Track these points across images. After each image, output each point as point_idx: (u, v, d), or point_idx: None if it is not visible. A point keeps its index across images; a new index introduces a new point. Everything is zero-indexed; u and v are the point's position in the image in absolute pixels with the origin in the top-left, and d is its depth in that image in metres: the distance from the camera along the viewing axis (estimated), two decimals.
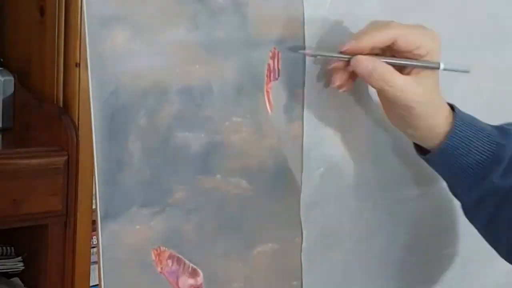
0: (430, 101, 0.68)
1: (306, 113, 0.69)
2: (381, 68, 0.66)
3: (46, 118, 1.36)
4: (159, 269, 0.62)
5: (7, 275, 1.42)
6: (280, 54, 0.67)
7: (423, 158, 0.72)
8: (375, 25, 0.67)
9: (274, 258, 0.69)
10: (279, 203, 0.69)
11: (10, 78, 1.43)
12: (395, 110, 0.68)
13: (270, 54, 0.66)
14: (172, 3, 0.61)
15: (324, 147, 0.71)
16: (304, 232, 0.71)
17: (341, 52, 0.66)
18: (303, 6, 0.68)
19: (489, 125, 0.71)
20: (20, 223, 1.32)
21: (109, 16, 0.58)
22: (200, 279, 0.65)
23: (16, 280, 1.42)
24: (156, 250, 0.62)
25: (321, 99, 0.70)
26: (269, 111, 0.67)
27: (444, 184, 0.75)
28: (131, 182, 0.60)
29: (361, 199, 0.74)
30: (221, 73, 0.64)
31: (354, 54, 0.66)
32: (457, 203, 0.84)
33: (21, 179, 1.28)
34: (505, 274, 0.90)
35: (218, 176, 0.65)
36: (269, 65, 0.66)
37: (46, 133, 1.36)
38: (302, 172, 0.70)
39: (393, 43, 0.66)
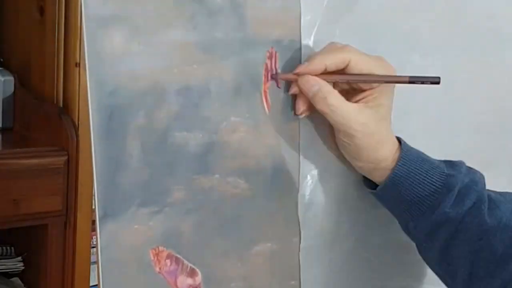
0: (374, 132, 0.67)
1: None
2: (326, 91, 0.65)
3: (46, 118, 1.36)
4: (157, 269, 0.62)
5: (7, 275, 1.43)
6: (277, 54, 0.67)
7: (372, 193, 0.71)
8: (330, 47, 0.66)
9: (272, 258, 0.69)
10: (277, 203, 0.69)
11: (10, 78, 1.43)
12: (339, 137, 0.68)
13: (268, 54, 0.66)
14: (170, 4, 0.61)
15: (321, 146, 0.71)
16: (302, 232, 0.71)
17: (294, 74, 0.66)
18: (300, 6, 0.68)
19: (436, 159, 0.70)
20: (20, 223, 1.32)
21: (107, 17, 0.58)
22: (198, 279, 0.65)
23: (16, 280, 1.43)
24: (155, 250, 0.62)
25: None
26: (267, 111, 0.67)
27: None
28: (130, 182, 0.61)
29: (359, 199, 0.74)
30: (219, 73, 0.64)
31: (306, 72, 0.65)
32: None
33: (21, 179, 1.28)
34: None
35: (217, 176, 0.65)
36: (266, 65, 0.67)
37: (46, 133, 1.36)
38: (299, 171, 0.70)
39: (346, 67, 0.65)
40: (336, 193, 0.73)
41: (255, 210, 0.68)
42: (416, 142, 0.76)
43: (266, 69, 0.67)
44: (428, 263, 0.74)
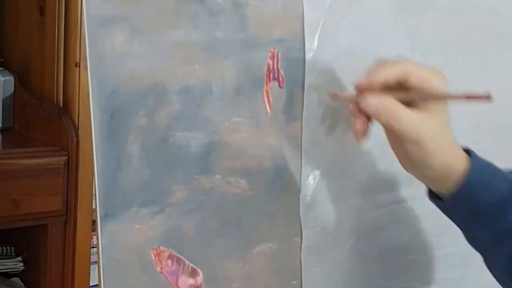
0: (441, 136, 0.65)
1: (305, 113, 0.69)
2: (388, 103, 0.63)
3: (46, 118, 1.36)
4: (158, 269, 0.62)
5: (7, 275, 1.43)
6: (279, 54, 0.67)
7: (438, 204, 0.70)
8: (387, 61, 0.65)
9: (274, 258, 0.69)
10: (279, 203, 0.69)
11: (10, 78, 1.43)
12: (407, 148, 0.65)
13: (270, 54, 0.66)
14: (172, 4, 0.61)
15: (323, 146, 0.71)
16: (304, 232, 0.71)
17: (356, 88, 0.64)
18: (303, 6, 0.68)
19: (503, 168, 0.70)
20: (20, 223, 1.32)
21: (108, 17, 0.58)
22: (200, 279, 0.65)
23: (16, 280, 1.43)
24: (156, 250, 0.62)
25: (320, 99, 0.70)
26: (269, 111, 0.67)
27: None
28: (131, 182, 0.61)
29: (361, 199, 0.74)
30: (220, 73, 0.64)
31: (366, 90, 0.64)
32: None
33: (21, 179, 1.28)
34: None
35: (218, 176, 0.65)
36: (268, 65, 0.67)
37: (46, 133, 1.36)
38: (301, 171, 0.70)
39: (405, 80, 0.64)
40: (337, 193, 0.73)
41: (257, 210, 0.68)
42: None
43: (268, 69, 0.67)
44: (493, 272, 0.72)
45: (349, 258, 0.75)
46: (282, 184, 0.69)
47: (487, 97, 0.66)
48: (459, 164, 0.67)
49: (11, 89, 1.43)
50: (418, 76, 0.64)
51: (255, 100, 0.66)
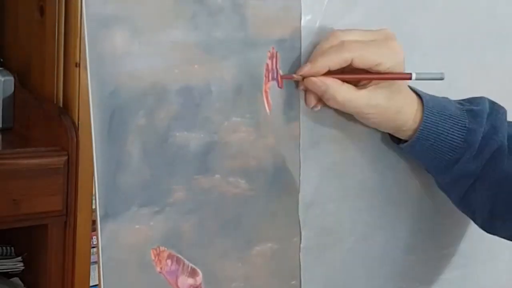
0: (389, 107, 0.69)
1: (303, 113, 0.69)
2: (333, 90, 0.67)
3: (46, 118, 1.36)
4: (158, 269, 0.62)
5: (7, 275, 1.42)
6: (278, 54, 0.67)
7: (398, 148, 0.75)
8: (330, 45, 0.67)
9: (273, 258, 0.69)
10: (278, 203, 0.69)
11: (10, 78, 1.43)
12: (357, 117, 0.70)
13: (269, 54, 0.66)
14: (171, 4, 0.61)
15: (322, 146, 0.71)
16: (303, 232, 0.71)
17: (300, 75, 0.67)
18: (300, 6, 0.68)
19: (459, 108, 0.73)
20: (20, 223, 1.32)
21: (108, 17, 0.58)
22: (199, 279, 0.65)
23: (16, 280, 1.42)
24: (156, 250, 0.62)
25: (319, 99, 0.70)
26: (268, 111, 0.67)
27: None
28: (131, 182, 0.61)
29: (360, 199, 0.74)
30: (220, 73, 0.64)
31: (310, 76, 0.66)
32: None
33: (21, 179, 1.28)
34: (505, 274, 0.90)
35: (217, 176, 0.65)
36: (267, 65, 0.67)
37: (46, 133, 1.36)
38: (300, 171, 0.70)
39: (349, 65, 0.66)
40: (336, 193, 0.73)
41: (256, 210, 0.68)
42: None
43: (267, 69, 0.67)
44: (449, 198, 0.77)
45: (348, 258, 0.75)
46: (281, 184, 0.69)
47: (441, 78, 0.70)
48: (412, 121, 0.71)
49: (11, 89, 1.43)
50: (362, 60, 0.66)
51: (254, 100, 0.66)
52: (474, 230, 0.83)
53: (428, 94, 0.73)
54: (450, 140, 0.71)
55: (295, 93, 0.69)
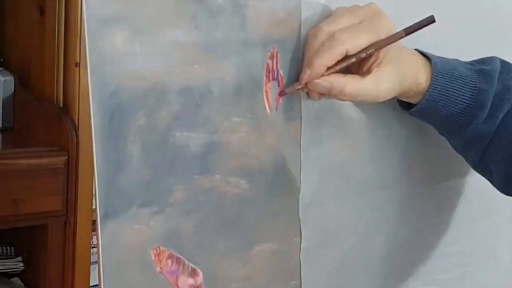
0: (399, 82, 0.68)
1: (304, 112, 0.69)
2: (339, 85, 0.66)
3: (46, 118, 1.37)
4: (158, 269, 0.62)
5: (7, 275, 1.43)
6: (278, 54, 0.67)
7: (408, 112, 0.73)
8: (321, 42, 0.65)
9: (273, 258, 0.69)
10: (278, 203, 0.69)
11: (10, 78, 1.43)
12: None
13: (269, 54, 0.66)
14: (172, 4, 0.61)
15: (322, 146, 0.71)
16: (303, 232, 0.71)
17: (302, 82, 0.66)
18: (300, 6, 0.68)
19: (469, 68, 0.72)
20: (20, 223, 1.32)
21: (108, 17, 0.58)
22: (199, 279, 0.65)
23: (16, 280, 1.43)
24: (156, 250, 0.62)
25: (319, 99, 0.70)
26: (268, 111, 0.67)
27: (444, 183, 0.75)
28: (131, 182, 0.60)
29: (360, 198, 0.74)
30: (220, 73, 0.64)
31: (312, 80, 0.66)
32: (457, 202, 0.84)
33: (21, 179, 1.28)
34: (505, 274, 0.90)
35: (217, 176, 0.65)
36: (268, 65, 0.67)
37: (46, 133, 1.36)
38: (300, 171, 0.70)
39: (346, 54, 0.66)
40: (337, 193, 0.73)
41: (256, 210, 0.68)
42: None
43: (268, 69, 0.67)
44: (466, 160, 0.76)
45: (348, 258, 0.75)
46: (281, 184, 0.69)
47: (429, 23, 0.68)
48: (422, 83, 0.70)
49: (11, 89, 1.43)
50: (356, 48, 0.65)
51: (255, 100, 0.66)
52: (474, 230, 0.83)
53: (437, 56, 0.72)
54: (461, 101, 0.70)
55: (295, 93, 0.69)
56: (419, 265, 0.78)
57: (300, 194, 0.70)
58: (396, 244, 0.77)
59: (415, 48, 0.73)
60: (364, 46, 0.65)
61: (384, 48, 0.67)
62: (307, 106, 0.69)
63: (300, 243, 0.71)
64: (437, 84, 0.70)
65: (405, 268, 0.80)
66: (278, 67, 0.67)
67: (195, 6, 0.62)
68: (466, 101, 0.70)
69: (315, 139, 0.70)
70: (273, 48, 0.67)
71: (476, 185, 0.82)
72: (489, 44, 0.85)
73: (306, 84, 0.66)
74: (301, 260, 0.71)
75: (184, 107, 0.62)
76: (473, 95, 0.70)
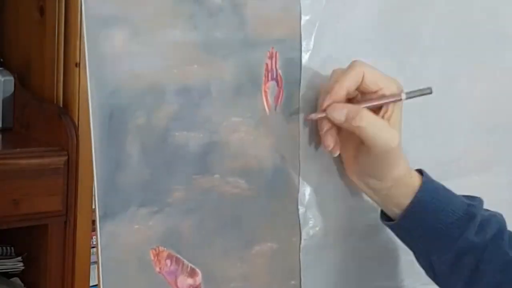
0: (395, 148, 0.66)
1: (303, 112, 0.69)
2: (355, 109, 0.65)
3: (46, 118, 1.37)
4: (157, 269, 0.62)
5: (7, 275, 1.43)
6: (277, 54, 0.67)
7: (390, 225, 0.71)
8: (339, 71, 0.66)
9: (273, 258, 0.69)
10: (277, 203, 0.69)
11: (10, 78, 1.43)
12: (370, 156, 0.66)
13: (268, 54, 0.67)
14: (170, 4, 0.61)
15: (321, 146, 0.71)
16: (302, 232, 0.71)
17: (322, 107, 0.66)
18: (300, 6, 0.68)
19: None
20: (20, 223, 1.32)
21: (107, 17, 0.58)
22: (198, 279, 0.65)
23: (16, 280, 1.43)
24: (155, 250, 0.62)
25: (317, 99, 0.70)
26: (267, 111, 0.67)
27: (444, 183, 0.75)
28: (130, 182, 0.61)
29: (359, 198, 0.74)
30: (219, 73, 0.64)
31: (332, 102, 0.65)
32: None
33: (21, 179, 1.28)
34: None
35: (217, 176, 0.65)
36: (267, 65, 0.67)
37: (46, 133, 1.36)
38: (300, 171, 0.70)
39: (361, 84, 0.66)
40: (336, 193, 0.73)
41: (255, 210, 0.68)
42: (415, 142, 0.76)
43: (267, 69, 0.67)
44: None
45: (348, 258, 0.75)
46: (281, 183, 0.69)
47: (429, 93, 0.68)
48: (414, 179, 0.68)
49: (11, 89, 1.43)
50: (372, 76, 0.65)
51: (254, 100, 0.66)
52: None
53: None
54: (452, 211, 0.68)
55: (295, 93, 0.69)
56: (417, 266, 0.78)
57: (299, 194, 0.70)
58: (396, 244, 0.77)
59: None
60: (380, 77, 0.66)
61: (396, 118, 0.67)
62: (305, 106, 0.69)
63: (300, 243, 0.71)
64: (428, 189, 0.68)
65: (405, 269, 0.80)
66: (277, 67, 0.67)
67: (194, 6, 0.62)
68: (457, 212, 0.68)
69: (314, 139, 0.70)
70: (272, 48, 0.67)
71: (476, 185, 0.82)
72: (489, 44, 0.85)
73: (325, 109, 0.66)
74: (301, 260, 0.71)
75: (183, 107, 0.62)
76: (463, 208, 0.68)
